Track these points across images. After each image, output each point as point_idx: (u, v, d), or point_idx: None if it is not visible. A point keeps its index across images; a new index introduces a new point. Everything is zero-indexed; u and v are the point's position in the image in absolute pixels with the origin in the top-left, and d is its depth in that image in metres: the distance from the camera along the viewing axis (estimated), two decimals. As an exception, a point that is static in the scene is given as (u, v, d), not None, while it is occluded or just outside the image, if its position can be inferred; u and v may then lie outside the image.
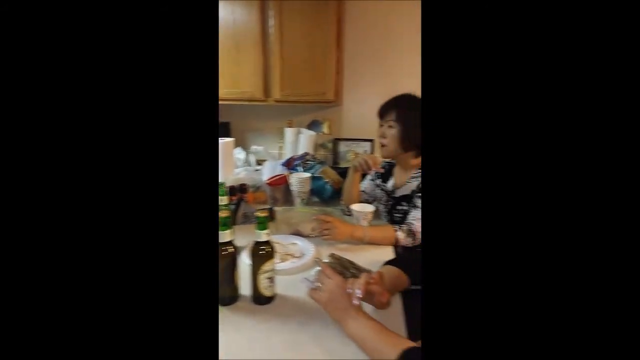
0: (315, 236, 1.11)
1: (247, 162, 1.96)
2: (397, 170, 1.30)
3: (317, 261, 0.77)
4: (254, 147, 1.94)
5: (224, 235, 0.75)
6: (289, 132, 1.99)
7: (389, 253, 1.05)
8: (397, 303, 0.80)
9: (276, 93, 1.86)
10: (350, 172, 1.32)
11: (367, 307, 0.69)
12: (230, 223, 0.76)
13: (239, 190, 1.30)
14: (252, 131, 2.24)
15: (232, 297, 0.80)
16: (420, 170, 1.18)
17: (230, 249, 0.77)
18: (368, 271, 0.82)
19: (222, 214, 0.75)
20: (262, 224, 0.76)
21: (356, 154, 2.02)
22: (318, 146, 2.10)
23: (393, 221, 1.21)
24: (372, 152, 2.04)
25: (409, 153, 1.21)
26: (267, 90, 1.87)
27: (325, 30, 1.72)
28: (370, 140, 2.04)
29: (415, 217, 1.10)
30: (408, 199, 1.18)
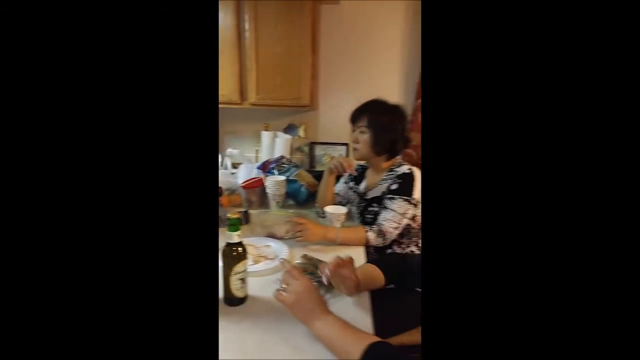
0: (289, 238, 1.12)
1: (222, 166, 1.95)
2: (369, 173, 1.34)
3: (283, 262, 0.76)
4: (229, 150, 1.93)
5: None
6: (266, 136, 2.00)
7: (360, 253, 1.08)
8: (365, 302, 0.82)
9: (252, 97, 1.85)
10: (325, 175, 1.35)
11: (333, 307, 0.71)
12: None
13: (213, 194, 1.30)
14: (228, 134, 2.22)
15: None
16: (390, 173, 1.22)
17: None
18: None
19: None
20: (233, 226, 0.77)
21: (332, 158, 2.05)
22: (294, 150, 2.12)
23: (365, 222, 1.25)
24: (347, 155, 2.08)
25: (380, 157, 1.25)
26: (243, 94, 1.86)
27: (300, 34, 1.73)
28: (346, 144, 2.07)
29: (385, 218, 1.14)
30: (379, 200, 1.21)
